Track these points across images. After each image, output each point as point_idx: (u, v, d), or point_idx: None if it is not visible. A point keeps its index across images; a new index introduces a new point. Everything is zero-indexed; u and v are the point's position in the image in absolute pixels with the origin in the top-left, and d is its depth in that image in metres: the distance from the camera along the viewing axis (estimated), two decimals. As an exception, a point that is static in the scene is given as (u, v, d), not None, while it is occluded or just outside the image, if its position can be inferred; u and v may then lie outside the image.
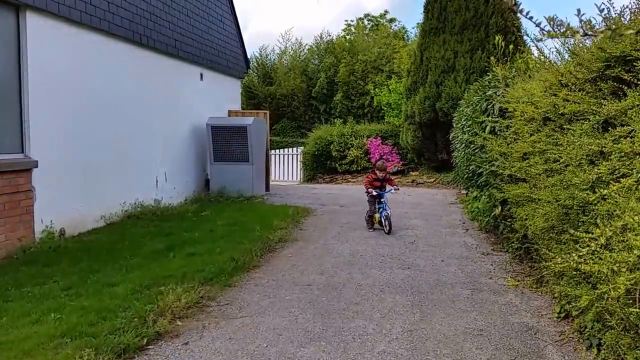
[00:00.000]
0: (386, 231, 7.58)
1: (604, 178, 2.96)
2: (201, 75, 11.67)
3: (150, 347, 3.74)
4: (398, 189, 8.18)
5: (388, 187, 7.99)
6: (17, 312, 4.16)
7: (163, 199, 9.72)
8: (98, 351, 3.43)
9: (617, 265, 2.31)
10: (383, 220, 7.64)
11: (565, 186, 3.48)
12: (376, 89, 19.11)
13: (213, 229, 7.58)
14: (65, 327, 3.81)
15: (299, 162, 18.26)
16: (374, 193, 7.71)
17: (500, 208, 6.09)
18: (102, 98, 8.02)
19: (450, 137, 11.02)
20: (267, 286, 5.17)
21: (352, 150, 16.61)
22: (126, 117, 8.67)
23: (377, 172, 7.85)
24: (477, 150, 6.70)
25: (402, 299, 4.78)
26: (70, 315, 4.05)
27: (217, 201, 10.58)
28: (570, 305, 3.99)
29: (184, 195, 10.62)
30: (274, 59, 24.98)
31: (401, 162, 16.32)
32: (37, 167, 6.51)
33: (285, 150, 18.97)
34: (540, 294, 4.85)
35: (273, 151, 18.07)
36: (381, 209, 7.71)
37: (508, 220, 5.77)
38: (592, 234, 2.48)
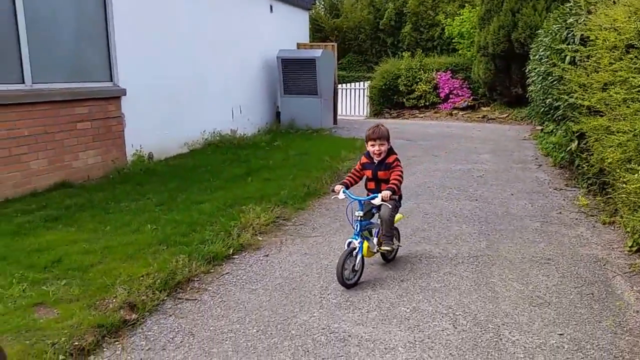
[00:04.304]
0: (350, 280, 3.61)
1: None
2: (271, 7, 11.66)
3: (235, 256, 4.16)
4: (396, 196, 3.80)
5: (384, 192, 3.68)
6: (118, 222, 4.69)
7: (238, 129, 10.14)
8: (191, 257, 3.87)
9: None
10: (345, 265, 3.54)
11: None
12: (447, 19, 18.26)
13: (285, 158, 7.93)
14: (161, 236, 4.29)
15: (365, 97, 18.12)
16: (340, 196, 3.72)
17: (576, 142, 5.93)
18: (180, 31, 8.31)
19: (527, 70, 10.55)
20: (337, 211, 5.45)
21: (420, 85, 16.24)
22: (203, 50, 8.95)
23: (370, 144, 3.82)
24: (554, 82, 6.45)
25: (469, 228, 4.91)
26: (165, 227, 4.53)
27: (288, 132, 10.91)
28: (644, 239, 3.95)
29: (256, 126, 11.01)
30: (341, -11, 24.22)
31: (471, 97, 15.81)
32: (125, 95, 6.99)
33: (352, 84, 18.82)
34: (612, 228, 4.81)
35: (340, 85, 17.95)
36: (351, 239, 3.67)
37: (584, 154, 5.64)
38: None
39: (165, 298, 3.40)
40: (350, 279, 3.59)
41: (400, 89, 16.54)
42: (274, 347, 2.86)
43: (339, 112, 16.22)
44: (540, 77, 7.90)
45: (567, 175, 6.99)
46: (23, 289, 3.29)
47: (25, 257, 3.81)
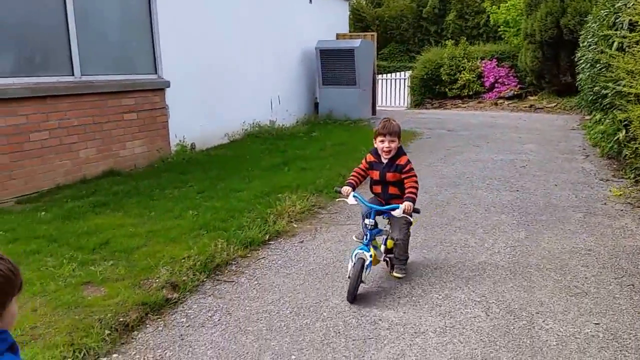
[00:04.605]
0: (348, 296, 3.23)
1: None
2: (310, -3, 11.71)
3: (271, 242, 4.27)
4: (417, 210, 3.29)
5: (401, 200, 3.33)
6: (162, 208, 4.89)
7: (277, 120, 10.28)
8: (229, 242, 4.01)
9: None
10: (350, 272, 3.24)
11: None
12: (493, 6, 17.77)
13: (322, 148, 8.00)
14: (201, 222, 4.44)
15: (406, 87, 17.91)
16: (350, 201, 3.31)
17: (624, 131, 5.72)
18: (221, 24, 8.48)
19: (576, 58, 10.18)
20: (374, 200, 5.47)
21: (463, 74, 15.89)
22: (242, 43, 9.10)
23: (379, 140, 3.37)
24: (602, 70, 6.22)
25: (508, 219, 4.84)
26: (205, 213, 4.69)
27: (326, 123, 10.97)
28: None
29: (295, 117, 11.12)
30: (384, -22, 23.91)
31: (518, 86, 15.35)
32: (169, 87, 7.22)
33: (393, 74, 18.64)
34: (660, 220, 4.64)
35: (380, 76, 17.83)
36: (361, 250, 3.25)
37: (631, 143, 5.43)
38: None
39: (205, 279, 3.55)
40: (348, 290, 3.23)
41: (443, 78, 16.24)
42: (306, 328, 2.94)
43: (379, 103, 16.14)
44: (589, 65, 7.63)
45: (615, 166, 6.74)
46: (73, 269, 3.50)
47: (74, 240, 4.04)
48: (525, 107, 14.34)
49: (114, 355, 2.68)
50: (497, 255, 3.96)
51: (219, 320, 3.05)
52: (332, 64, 11.33)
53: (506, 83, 15.44)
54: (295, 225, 4.64)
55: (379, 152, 3.39)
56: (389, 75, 18.69)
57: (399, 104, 18.19)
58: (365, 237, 3.30)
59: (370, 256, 3.23)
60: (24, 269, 3.48)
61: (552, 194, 5.64)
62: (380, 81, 17.75)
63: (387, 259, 3.56)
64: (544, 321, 2.95)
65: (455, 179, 6.37)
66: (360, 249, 3.24)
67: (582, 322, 2.92)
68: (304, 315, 3.09)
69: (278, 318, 3.06)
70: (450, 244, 4.23)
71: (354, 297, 3.20)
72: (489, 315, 3.04)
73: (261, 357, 2.66)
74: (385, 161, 3.40)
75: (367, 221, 3.29)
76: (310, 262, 3.88)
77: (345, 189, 3.33)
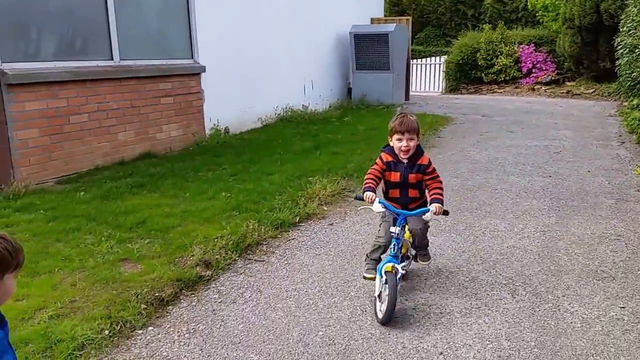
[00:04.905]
0: (379, 318, 2.87)
1: None
2: (345, -19, 11.63)
3: (301, 224, 4.38)
4: (446, 212, 3.04)
5: (428, 200, 3.18)
6: (197, 190, 5.05)
7: (310, 105, 10.35)
8: (260, 223, 4.13)
9: None
10: (379, 289, 2.91)
11: None
12: (531, -10, 17.24)
13: (354, 133, 8.04)
14: (234, 203, 4.58)
15: (441, 72, 17.65)
16: (376, 208, 2.93)
17: (663, 117, 5.56)
18: (255, 8, 8.55)
19: (616, 43, 9.85)
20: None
21: (500, 59, 15.53)
22: (276, 28, 9.15)
23: (395, 138, 3.01)
24: (642, 54, 6.04)
25: (539, 204, 4.81)
26: (237, 195, 4.83)
27: (358, 108, 10.96)
28: None
29: (328, 102, 11.16)
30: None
31: (555, 71, 14.93)
32: (204, 71, 7.36)
33: (428, 59, 18.38)
34: (698, 207, 4.53)
35: (415, 61, 17.61)
36: (390, 263, 2.90)
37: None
38: None
39: (237, 258, 3.67)
40: (382, 314, 2.86)
41: (479, 63, 15.90)
42: (334, 306, 3.04)
43: (413, 88, 15.98)
44: (628, 50, 7.39)
45: (652, 153, 6.58)
46: (111, 246, 3.67)
47: (112, 219, 4.21)
48: (563, 93, 13.98)
49: (150, 328, 2.82)
50: (526, 240, 3.96)
51: (249, 297, 3.17)
52: (366, 49, 11.27)
53: (544, 68, 15.04)
54: (326, 208, 4.74)
55: (396, 151, 3.03)
56: (424, 60, 18.43)
57: (434, 89, 17.95)
58: (392, 247, 2.97)
59: (403, 267, 2.97)
60: (64, 245, 3.68)
61: (584, 180, 5.56)
62: (414, 66, 17.54)
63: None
64: (569, 304, 2.97)
65: (487, 164, 6.33)
66: (389, 262, 2.88)
67: (607, 306, 2.93)
68: (331, 294, 3.18)
69: (307, 296, 3.16)
70: (479, 228, 4.24)
71: (385, 321, 2.81)
72: (514, 298, 3.07)
73: (290, 332, 2.77)
74: (405, 161, 3.04)
75: (393, 229, 2.93)
76: (339, 244, 3.97)
77: (369, 194, 2.92)
